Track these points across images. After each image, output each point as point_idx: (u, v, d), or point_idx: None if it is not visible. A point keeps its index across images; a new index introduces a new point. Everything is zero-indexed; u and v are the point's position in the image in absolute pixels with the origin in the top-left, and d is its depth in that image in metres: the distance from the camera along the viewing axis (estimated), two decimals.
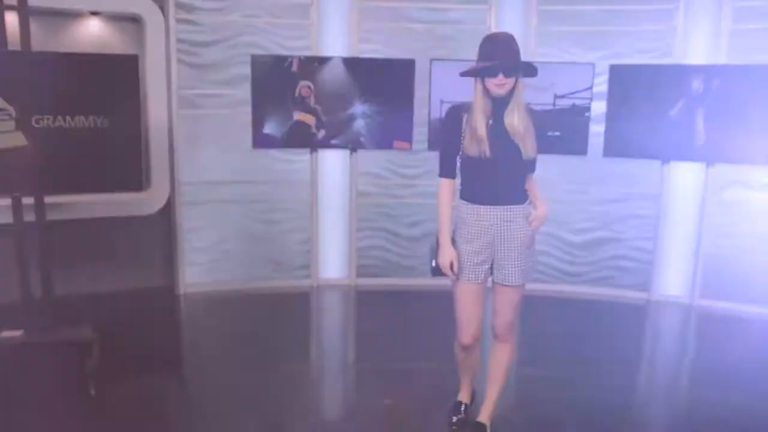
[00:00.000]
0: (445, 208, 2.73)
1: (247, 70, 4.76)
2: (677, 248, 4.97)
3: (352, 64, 4.86)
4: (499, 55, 2.51)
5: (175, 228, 4.89)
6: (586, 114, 4.88)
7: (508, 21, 4.96)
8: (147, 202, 4.77)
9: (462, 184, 2.72)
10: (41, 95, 3.25)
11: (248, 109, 4.81)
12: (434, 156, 5.03)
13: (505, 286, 2.75)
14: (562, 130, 4.92)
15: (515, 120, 2.57)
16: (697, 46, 4.70)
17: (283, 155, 5.03)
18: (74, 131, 3.31)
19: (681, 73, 4.64)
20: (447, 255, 2.70)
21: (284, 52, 4.84)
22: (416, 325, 4.50)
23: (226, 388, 3.47)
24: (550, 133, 4.92)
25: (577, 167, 5.06)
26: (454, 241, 2.73)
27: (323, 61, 4.82)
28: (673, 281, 5.02)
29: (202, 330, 4.49)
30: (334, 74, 4.84)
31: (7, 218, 3.53)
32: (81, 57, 3.45)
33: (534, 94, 4.87)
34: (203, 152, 4.87)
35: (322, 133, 4.94)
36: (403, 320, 4.63)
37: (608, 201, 5.07)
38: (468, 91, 4.96)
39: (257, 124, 4.82)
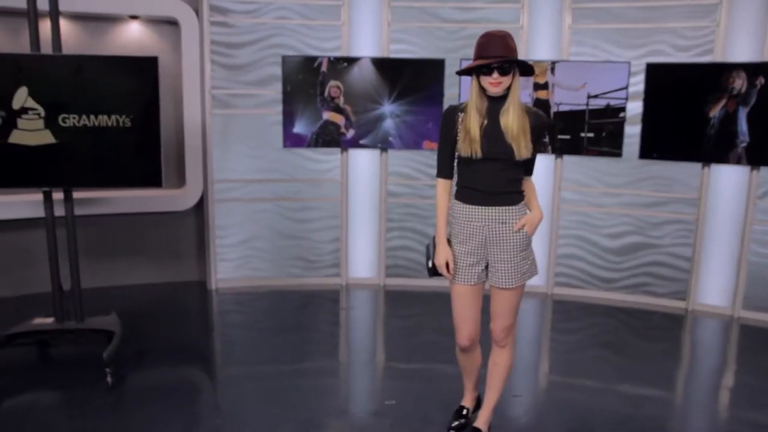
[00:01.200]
0: (441, 209, 2.72)
1: (278, 70, 4.86)
2: (718, 256, 4.73)
3: (380, 64, 4.88)
4: (494, 53, 2.47)
5: (208, 224, 5.04)
6: (621, 114, 4.71)
7: (542, 19, 4.87)
8: (181, 198, 4.95)
9: (457, 185, 2.71)
10: (67, 95, 3.43)
11: (279, 108, 4.91)
12: None
13: (501, 289, 2.70)
14: (595, 131, 4.78)
15: (510, 120, 2.53)
16: (741, 42, 4.46)
17: (313, 154, 5.10)
18: (98, 130, 3.48)
19: (722, 71, 4.41)
20: (442, 255, 2.69)
21: (315, 53, 4.91)
22: (443, 326, 4.43)
23: (249, 380, 3.56)
24: (583, 134, 4.80)
25: (612, 169, 4.89)
26: (449, 242, 2.72)
27: (352, 61, 4.86)
28: (713, 291, 4.78)
29: (229, 324, 4.62)
30: (363, 74, 4.87)
31: (40, 212, 3.75)
32: (104, 59, 3.61)
33: (566, 94, 4.77)
34: (235, 151, 5.00)
35: (351, 133, 4.98)
36: (431, 321, 4.59)
37: (644, 205, 4.87)
38: None
39: (287, 123, 4.91)
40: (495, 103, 2.56)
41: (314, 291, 5.15)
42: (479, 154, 2.55)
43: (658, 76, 4.58)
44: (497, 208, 2.62)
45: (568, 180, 4.99)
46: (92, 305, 3.88)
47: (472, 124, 2.55)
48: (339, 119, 4.94)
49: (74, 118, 3.44)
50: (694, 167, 4.67)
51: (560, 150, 4.89)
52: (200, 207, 5.07)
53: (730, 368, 4.08)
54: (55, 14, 3.49)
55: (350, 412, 3.30)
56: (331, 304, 4.99)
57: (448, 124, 2.65)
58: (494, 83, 2.49)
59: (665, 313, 4.82)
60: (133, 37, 4.85)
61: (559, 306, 5.00)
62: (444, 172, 2.72)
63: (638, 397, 3.47)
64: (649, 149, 4.68)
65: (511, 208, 2.63)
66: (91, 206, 4.68)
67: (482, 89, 2.55)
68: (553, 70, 4.75)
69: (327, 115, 4.93)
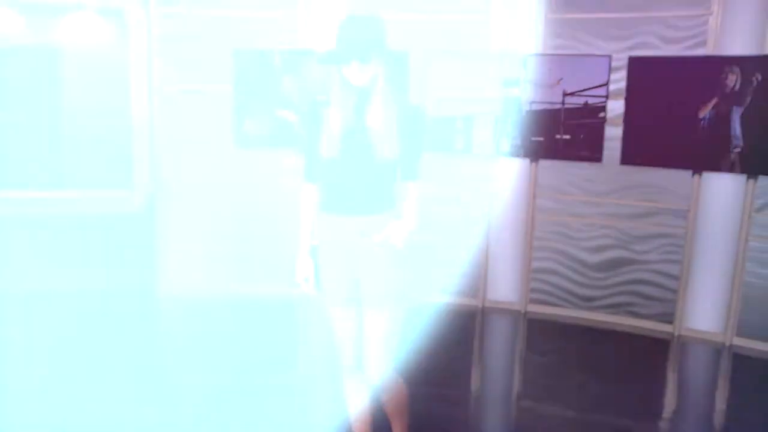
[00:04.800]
0: (304, 217, 2.39)
1: (230, 65, 4.54)
2: (709, 275, 4.19)
3: None
4: (354, 39, 2.10)
5: (157, 228, 4.77)
6: (601, 114, 4.22)
7: (516, 8, 4.41)
8: (128, 200, 4.70)
9: (321, 192, 2.34)
10: None
11: (231, 105, 4.60)
12: (431, 159, 4.61)
13: (370, 310, 2.33)
14: (572, 133, 4.30)
15: (372, 116, 2.18)
16: (738, 34, 3.92)
17: (268, 155, 4.78)
18: None
19: (714, 65, 3.87)
20: (301, 268, 2.39)
21: (272, 47, 4.58)
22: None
23: (191, 390, 3.39)
24: (558, 136, 4.33)
25: (591, 176, 4.41)
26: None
27: (306, 55, 4.51)
28: (703, 314, 4.25)
29: (175, 333, 4.35)
30: (318, 68, 4.50)
31: None
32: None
33: (539, 91, 4.32)
34: (186, 151, 4.71)
35: None
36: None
37: (628, 216, 4.38)
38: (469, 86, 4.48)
39: (239, 121, 4.59)
40: (362, 96, 2.19)
41: (270, 300, 4.80)
42: (338, 155, 2.20)
43: (642, 71, 4.07)
44: (359, 217, 2.27)
45: (543, 186, 4.53)
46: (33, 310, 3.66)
47: (334, 120, 2.20)
48: (294, 117, 4.60)
49: None
50: (684, 175, 4.14)
51: (534, 154, 4.42)
52: (149, 210, 4.80)
53: (719, 401, 3.63)
54: None
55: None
56: (287, 314, 4.66)
57: (311, 119, 2.30)
58: (354, 74, 2.14)
59: (650, 336, 4.33)
60: (81, 28, 4.60)
61: (533, 324, 4.56)
62: (309, 175, 2.36)
63: (616, 429, 3.10)
64: (632, 154, 4.17)
65: (374, 217, 2.27)
66: (35, 205, 4.49)
67: (344, 80, 2.18)
68: (524, 64, 4.29)
69: (281, 113, 4.60)
